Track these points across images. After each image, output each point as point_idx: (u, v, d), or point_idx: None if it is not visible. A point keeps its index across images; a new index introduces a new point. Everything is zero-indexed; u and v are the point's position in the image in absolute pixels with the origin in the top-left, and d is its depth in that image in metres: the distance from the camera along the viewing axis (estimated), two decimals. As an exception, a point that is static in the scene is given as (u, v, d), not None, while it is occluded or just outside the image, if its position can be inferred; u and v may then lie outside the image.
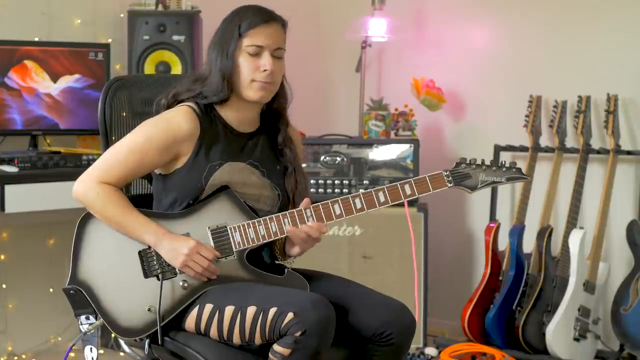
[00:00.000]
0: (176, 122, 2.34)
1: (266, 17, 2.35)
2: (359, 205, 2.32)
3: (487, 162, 2.36)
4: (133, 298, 2.30)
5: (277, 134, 2.48)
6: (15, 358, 3.87)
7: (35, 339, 3.93)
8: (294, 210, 2.33)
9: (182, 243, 2.28)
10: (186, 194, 2.35)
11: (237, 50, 2.34)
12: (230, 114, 2.41)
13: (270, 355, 2.17)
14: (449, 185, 2.34)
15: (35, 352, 3.91)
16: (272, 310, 2.17)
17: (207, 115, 2.39)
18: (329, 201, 2.33)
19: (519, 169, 2.36)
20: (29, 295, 3.89)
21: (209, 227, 2.33)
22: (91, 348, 2.37)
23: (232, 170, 2.37)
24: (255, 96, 2.36)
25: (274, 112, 2.47)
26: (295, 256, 2.44)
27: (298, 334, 2.12)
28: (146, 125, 2.36)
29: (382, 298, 2.37)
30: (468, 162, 2.36)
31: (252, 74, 2.34)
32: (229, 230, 2.32)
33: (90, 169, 2.35)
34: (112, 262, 2.33)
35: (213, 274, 2.31)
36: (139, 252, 2.32)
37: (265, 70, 2.33)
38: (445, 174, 2.34)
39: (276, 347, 2.16)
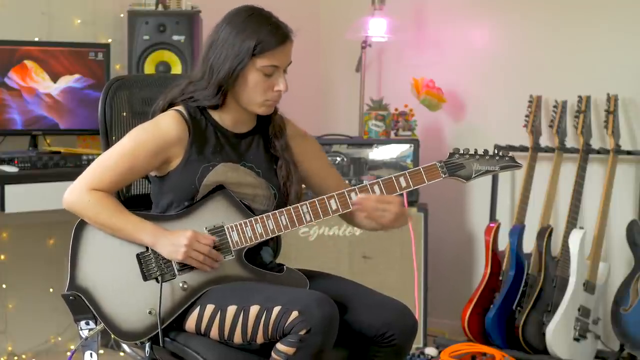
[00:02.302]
0: (164, 126, 2.34)
1: (283, 37, 2.30)
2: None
3: (480, 152, 2.36)
4: (133, 301, 2.30)
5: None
6: (15, 358, 3.87)
7: (35, 339, 3.92)
8: (291, 207, 2.33)
9: (178, 236, 2.28)
10: (181, 196, 2.35)
11: (246, 68, 2.30)
12: (224, 117, 2.40)
13: (273, 354, 2.17)
14: (444, 176, 2.34)
15: (35, 352, 3.91)
16: (276, 309, 2.16)
17: (197, 117, 2.38)
18: (325, 196, 2.33)
19: (512, 157, 2.36)
20: (29, 295, 3.89)
21: (206, 227, 2.32)
22: (91, 353, 2.37)
23: (227, 171, 2.37)
24: (263, 112, 2.38)
25: None
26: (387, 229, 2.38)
27: (303, 332, 2.12)
28: (135, 131, 2.36)
29: (383, 298, 2.37)
30: (461, 152, 2.36)
31: (265, 94, 2.33)
32: (226, 230, 2.32)
33: (80, 178, 2.34)
34: (110, 266, 2.32)
35: (215, 261, 2.30)
36: (137, 255, 2.32)
37: (278, 92, 2.33)
38: (439, 164, 2.34)
39: (280, 346, 2.16)
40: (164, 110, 2.40)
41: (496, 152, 2.36)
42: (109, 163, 2.33)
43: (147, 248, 2.32)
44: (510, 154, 2.38)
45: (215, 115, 2.40)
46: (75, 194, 2.33)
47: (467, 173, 2.34)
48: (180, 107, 2.38)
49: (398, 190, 2.32)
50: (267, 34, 2.29)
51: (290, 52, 2.35)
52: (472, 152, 2.36)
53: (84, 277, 2.31)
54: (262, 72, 2.30)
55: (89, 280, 2.31)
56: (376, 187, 2.32)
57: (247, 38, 2.29)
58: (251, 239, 2.32)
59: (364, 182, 4.03)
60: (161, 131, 2.33)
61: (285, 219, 2.32)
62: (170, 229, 2.32)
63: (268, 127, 2.46)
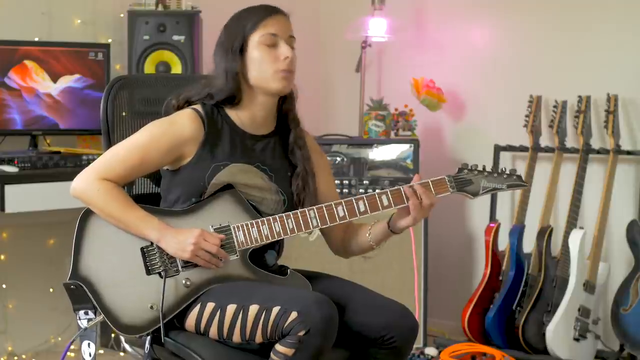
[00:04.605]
0: (179, 124, 2.35)
1: (271, 10, 2.38)
2: (362, 208, 2.33)
3: (489, 169, 2.39)
4: (135, 295, 2.29)
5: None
6: (15, 358, 3.87)
7: (35, 339, 3.92)
8: (298, 211, 2.34)
9: (186, 234, 2.28)
10: (190, 192, 2.36)
11: (247, 47, 2.35)
12: (241, 115, 2.41)
13: (272, 355, 2.17)
14: (452, 190, 2.36)
15: (35, 352, 3.91)
16: (275, 309, 2.16)
17: (214, 117, 2.39)
18: (332, 203, 2.34)
19: (519, 177, 2.39)
20: (29, 295, 3.89)
21: (212, 226, 2.32)
22: (89, 343, 2.35)
23: (237, 172, 2.37)
24: (280, 86, 2.37)
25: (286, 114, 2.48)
26: (400, 232, 2.40)
27: (301, 333, 2.12)
28: (150, 126, 2.37)
29: (383, 300, 2.37)
30: (470, 168, 2.38)
31: (274, 64, 2.35)
32: (232, 230, 2.32)
33: (90, 166, 2.35)
34: (113, 258, 2.32)
35: (223, 259, 2.30)
36: (141, 249, 2.32)
37: (286, 58, 2.35)
38: (448, 179, 2.36)
39: (279, 347, 2.15)
40: (179, 107, 2.41)
41: (504, 169, 2.39)
42: (120, 155, 2.34)
43: (152, 242, 2.32)
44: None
45: (233, 114, 2.41)
46: (84, 182, 2.32)
47: (475, 189, 2.36)
48: (197, 106, 2.40)
49: (406, 202, 2.33)
50: (256, 11, 2.38)
51: (287, 24, 2.39)
52: (480, 168, 2.38)
53: (87, 268, 2.30)
54: (264, 44, 2.34)
55: (92, 271, 2.30)
56: (384, 197, 2.33)
57: (241, 23, 2.37)
58: (257, 239, 2.32)
59: (364, 181, 4.05)
60: (175, 128, 2.34)
61: (292, 222, 2.32)
62: (177, 225, 2.32)
63: (287, 134, 2.47)
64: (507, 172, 2.38)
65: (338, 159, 4.09)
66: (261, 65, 2.35)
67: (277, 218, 2.33)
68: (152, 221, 2.30)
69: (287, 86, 2.38)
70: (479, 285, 3.96)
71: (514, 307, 3.88)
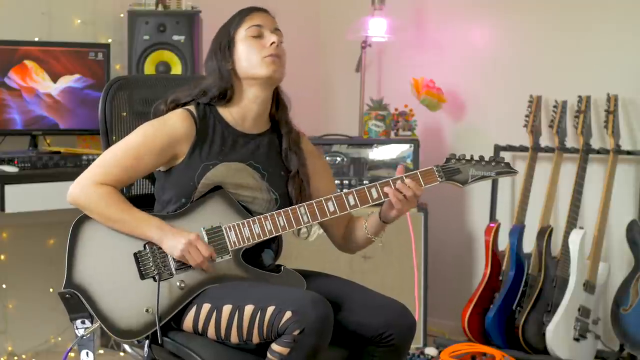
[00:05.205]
0: (172, 123, 2.36)
1: (254, 8, 2.44)
2: (352, 202, 2.34)
3: (476, 157, 2.39)
4: (130, 300, 2.30)
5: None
6: (15, 358, 3.87)
7: (35, 339, 3.93)
8: (289, 208, 2.34)
9: (183, 235, 2.29)
10: (180, 192, 2.36)
11: (234, 44, 2.39)
12: (234, 112, 2.42)
13: (268, 354, 2.17)
14: (440, 180, 2.36)
15: (35, 352, 3.92)
16: (270, 309, 2.17)
17: (206, 116, 2.40)
18: (322, 198, 2.34)
19: (508, 164, 2.39)
20: (29, 295, 3.89)
21: (203, 228, 2.33)
22: (87, 352, 2.36)
23: (227, 171, 2.38)
24: (269, 70, 2.38)
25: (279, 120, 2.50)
26: (391, 221, 2.40)
27: (296, 332, 2.12)
28: (143, 127, 2.38)
29: (382, 299, 2.38)
30: (457, 157, 2.39)
31: (261, 51, 2.38)
32: (224, 230, 2.33)
33: (86, 172, 2.35)
34: (107, 264, 2.32)
35: (207, 269, 2.31)
36: (134, 254, 2.32)
37: (272, 43, 2.38)
38: (436, 169, 2.37)
39: (274, 346, 2.16)
40: (168, 108, 2.42)
41: (492, 158, 2.40)
42: (115, 159, 2.34)
43: (145, 247, 2.32)
44: (507, 159, 2.40)
45: (225, 112, 2.42)
46: (82, 188, 2.33)
47: (464, 178, 2.37)
48: (190, 106, 2.41)
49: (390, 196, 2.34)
50: (240, 12, 2.45)
51: (271, 19, 2.45)
52: (468, 157, 2.39)
53: (81, 275, 2.31)
54: (250, 35, 2.39)
55: (86, 278, 2.31)
56: (373, 190, 2.33)
57: (226, 26, 2.44)
58: (249, 239, 2.33)
59: (364, 181, 4.05)
60: (167, 128, 2.36)
61: (283, 219, 2.33)
62: (170, 227, 2.33)
63: (281, 134, 2.48)
64: (496, 160, 2.39)
65: (338, 159, 4.09)
66: (249, 55, 2.38)
67: (269, 216, 2.33)
68: (152, 221, 2.32)
69: (277, 70, 2.39)
70: (479, 285, 3.96)
71: (514, 307, 3.88)
